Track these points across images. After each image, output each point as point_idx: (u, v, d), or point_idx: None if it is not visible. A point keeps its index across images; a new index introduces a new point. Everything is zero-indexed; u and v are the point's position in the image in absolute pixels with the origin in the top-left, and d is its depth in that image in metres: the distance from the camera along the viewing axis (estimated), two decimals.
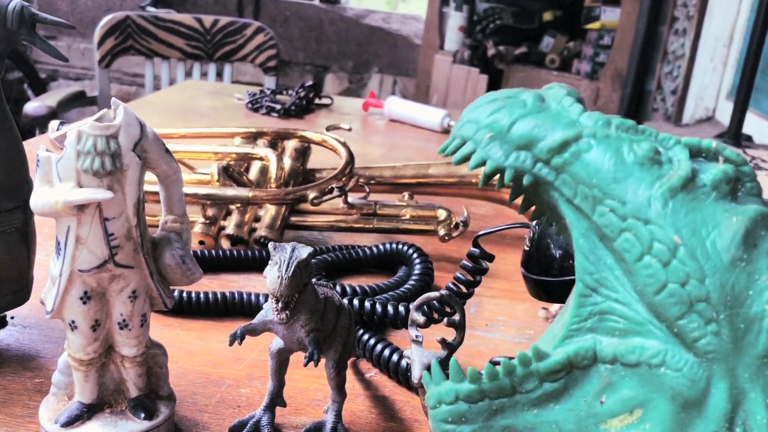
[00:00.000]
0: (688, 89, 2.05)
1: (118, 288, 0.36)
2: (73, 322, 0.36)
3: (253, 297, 0.55)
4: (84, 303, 0.36)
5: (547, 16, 2.77)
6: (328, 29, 3.10)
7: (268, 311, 0.38)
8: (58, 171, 0.33)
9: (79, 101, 2.04)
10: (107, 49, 1.84)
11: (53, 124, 0.73)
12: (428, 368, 0.34)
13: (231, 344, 0.37)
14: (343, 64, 3.14)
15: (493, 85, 2.66)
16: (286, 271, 0.34)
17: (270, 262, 0.35)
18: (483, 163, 0.27)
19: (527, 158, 0.27)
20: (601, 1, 2.52)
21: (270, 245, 0.36)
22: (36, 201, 0.34)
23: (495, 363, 0.27)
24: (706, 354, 0.22)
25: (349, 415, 0.44)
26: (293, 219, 0.69)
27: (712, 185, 0.25)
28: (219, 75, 1.95)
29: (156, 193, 0.42)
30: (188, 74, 1.95)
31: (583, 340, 0.26)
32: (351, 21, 3.08)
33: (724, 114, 1.82)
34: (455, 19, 2.80)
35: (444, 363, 0.36)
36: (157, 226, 0.38)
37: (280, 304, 0.35)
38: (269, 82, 1.93)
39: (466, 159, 0.28)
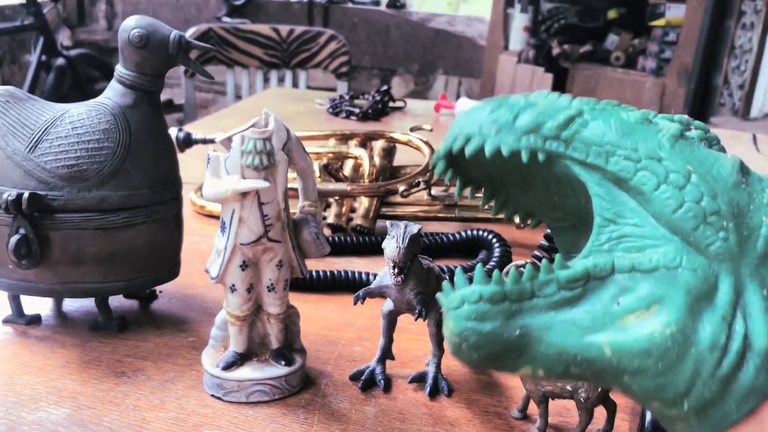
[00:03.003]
0: (756, 83, 2.06)
1: (268, 258, 0.46)
2: (233, 285, 0.46)
3: (356, 274, 0.64)
4: (242, 270, 0.45)
5: (612, 14, 2.79)
6: (394, 33, 3.20)
7: (384, 277, 0.47)
8: (226, 166, 0.43)
9: (167, 109, 2.19)
10: (193, 59, 1.97)
11: (173, 130, 0.84)
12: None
13: (355, 303, 0.47)
14: (408, 66, 3.23)
15: (558, 83, 2.71)
16: (403, 242, 0.43)
17: (387, 236, 0.44)
18: (497, 150, 0.33)
19: (537, 139, 0.32)
20: None
21: (387, 223, 0.45)
22: (209, 190, 0.44)
23: (520, 267, 0.32)
24: (717, 256, 0.29)
25: (447, 368, 0.52)
26: (384, 209, 0.78)
27: (698, 138, 0.32)
28: (294, 81, 2.07)
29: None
30: (266, 81, 2.07)
31: (601, 256, 0.31)
32: (416, 25, 3.17)
33: None
34: (520, 19, 2.86)
35: None
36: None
37: (396, 269, 0.44)
38: (342, 86, 2.04)
39: (477, 151, 0.33)
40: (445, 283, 0.32)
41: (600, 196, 0.31)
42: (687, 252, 0.29)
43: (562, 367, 0.31)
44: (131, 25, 0.51)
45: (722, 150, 0.33)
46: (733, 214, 0.29)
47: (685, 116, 0.34)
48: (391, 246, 0.44)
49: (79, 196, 0.50)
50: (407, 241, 0.43)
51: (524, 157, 0.32)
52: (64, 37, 3.19)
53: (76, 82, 2.63)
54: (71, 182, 0.50)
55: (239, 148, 0.43)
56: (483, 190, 0.39)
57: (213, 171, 0.44)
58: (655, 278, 0.29)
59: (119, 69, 0.52)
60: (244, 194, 0.43)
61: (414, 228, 0.44)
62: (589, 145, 0.32)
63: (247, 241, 0.44)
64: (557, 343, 0.30)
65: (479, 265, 0.32)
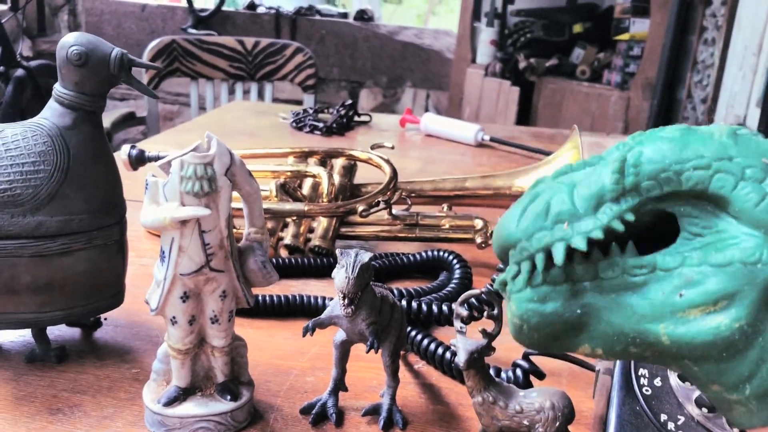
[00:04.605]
0: (718, 98, 2.08)
1: (211, 289, 0.43)
2: (173, 317, 0.43)
3: (312, 299, 0.62)
4: (183, 302, 0.43)
5: (578, 28, 2.81)
6: (363, 46, 3.19)
7: (335, 307, 0.45)
8: (164, 193, 0.41)
9: (129, 122, 2.15)
10: (155, 71, 1.94)
11: (125, 148, 0.81)
12: (473, 353, 0.41)
13: (304, 335, 0.44)
14: (377, 79, 3.22)
15: (525, 97, 2.72)
16: (352, 272, 0.41)
17: (337, 265, 0.42)
18: (588, 243, 0.31)
19: (609, 209, 0.31)
20: (631, 12, 2.56)
21: (337, 251, 0.43)
22: (146, 217, 0.41)
23: (585, 254, 0.31)
24: None
25: (402, 399, 0.50)
26: (343, 230, 0.76)
27: (752, 134, 0.31)
28: (260, 93, 2.04)
29: (238, 209, 0.49)
30: (231, 93, 2.04)
31: (675, 253, 0.30)
32: (384, 37, 3.16)
33: (755, 121, 1.86)
34: (487, 33, 2.87)
35: (485, 350, 0.42)
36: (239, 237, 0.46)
37: (346, 300, 0.42)
38: (308, 99, 2.02)
39: (568, 255, 0.31)
40: (510, 270, 0.31)
41: (686, 214, 0.31)
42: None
43: (620, 346, 0.31)
44: (69, 42, 0.49)
45: None
46: None
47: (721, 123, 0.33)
48: (341, 276, 0.42)
49: (12, 222, 0.47)
50: (357, 271, 0.41)
51: (619, 227, 0.31)
52: (24, 48, 3.13)
53: (36, 93, 2.57)
54: (4, 207, 0.47)
55: (178, 173, 0.41)
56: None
57: (151, 197, 0.42)
58: (727, 273, 0.29)
59: (57, 88, 0.50)
60: (183, 222, 0.41)
61: (365, 257, 0.42)
62: (656, 176, 0.30)
63: (188, 271, 0.42)
64: (616, 323, 0.31)
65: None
